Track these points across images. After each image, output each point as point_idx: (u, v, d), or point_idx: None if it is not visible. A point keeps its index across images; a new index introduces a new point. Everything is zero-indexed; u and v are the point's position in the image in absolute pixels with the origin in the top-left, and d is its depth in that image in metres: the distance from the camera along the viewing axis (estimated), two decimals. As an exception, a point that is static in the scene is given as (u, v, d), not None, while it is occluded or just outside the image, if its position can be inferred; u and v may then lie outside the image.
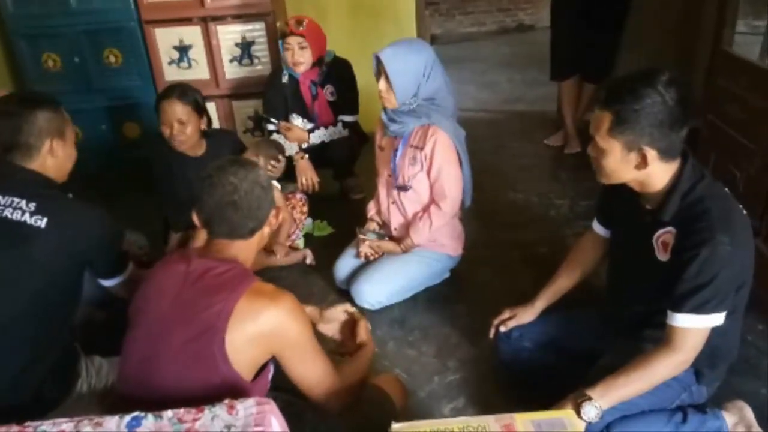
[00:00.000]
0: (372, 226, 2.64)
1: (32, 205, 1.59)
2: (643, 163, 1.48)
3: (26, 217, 1.58)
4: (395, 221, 2.54)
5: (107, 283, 1.82)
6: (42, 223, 1.58)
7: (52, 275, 1.61)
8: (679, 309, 1.45)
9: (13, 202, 1.60)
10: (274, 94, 3.12)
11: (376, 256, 2.55)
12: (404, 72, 2.26)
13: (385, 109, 2.40)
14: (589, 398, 1.46)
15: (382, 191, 2.59)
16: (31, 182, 1.68)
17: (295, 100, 3.10)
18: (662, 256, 1.55)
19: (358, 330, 1.71)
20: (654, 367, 1.48)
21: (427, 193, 2.43)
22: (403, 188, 2.44)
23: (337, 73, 3.12)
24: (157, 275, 1.40)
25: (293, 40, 2.94)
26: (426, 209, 2.43)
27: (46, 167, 1.71)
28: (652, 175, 1.51)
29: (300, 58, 2.97)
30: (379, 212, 2.64)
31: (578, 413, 1.45)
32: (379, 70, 2.31)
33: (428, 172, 2.37)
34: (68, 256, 1.63)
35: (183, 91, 2.55)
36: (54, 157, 1.72)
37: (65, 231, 1.61)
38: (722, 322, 1.46)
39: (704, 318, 1.44)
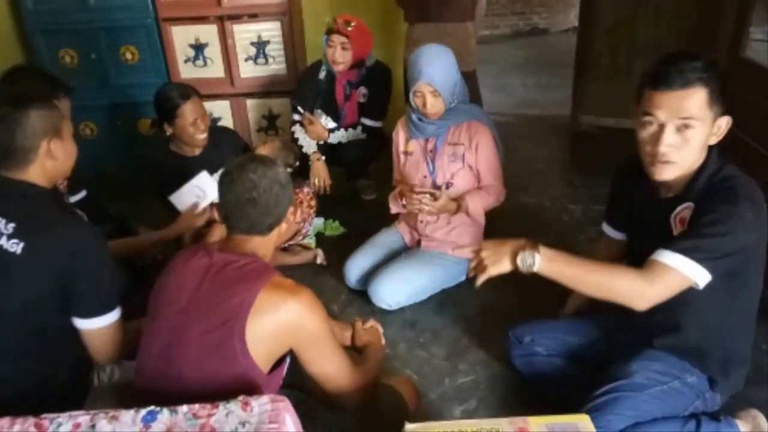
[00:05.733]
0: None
1: (11, 227, 1.45)
2: (725, 130, 1.49)
3: (3, 241, 1.44)
4: (426, 221, 2.53)
5: (83, 324, 1.52)
6: (18, 248, 1.43)
7: (38, 300, 1.45)
8: (669, 247, 1.43)
9: None
10: (308, 86, 3.13)
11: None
12: (444, 73, 2.31)
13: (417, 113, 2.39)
14: (537, 250, 1.43)
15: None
16: (17, 197, 1.50)
17: (327, 96, 3.11)
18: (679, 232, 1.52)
19: (356, 333, 1.79)
20: (616, 276, 1.44)
21: (465, 191, 2.43)
22: (445, 187, 2.43)
23: (374, 77, 3.12)
24: (177, 268, 1.41)
25: (337, 39, 2.95)
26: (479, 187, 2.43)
27: (45, 171, 1.55)
28: (704, 150, 1.50)
29: (340, 57, 2.98)
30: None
31: (515, 259, 1.44)
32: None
33: (470, 166, 2.39)
34: (53, 279, 1.45)
35: (190, 88, 2.57)
36: (53, 159, 1.55)
37: (45, 253, 1.44)
38: (702, 285, 1.42)
39: (689, 263, 1.40)
